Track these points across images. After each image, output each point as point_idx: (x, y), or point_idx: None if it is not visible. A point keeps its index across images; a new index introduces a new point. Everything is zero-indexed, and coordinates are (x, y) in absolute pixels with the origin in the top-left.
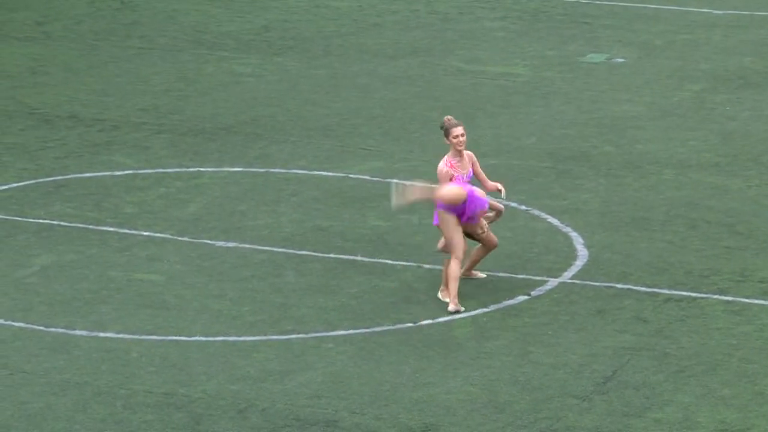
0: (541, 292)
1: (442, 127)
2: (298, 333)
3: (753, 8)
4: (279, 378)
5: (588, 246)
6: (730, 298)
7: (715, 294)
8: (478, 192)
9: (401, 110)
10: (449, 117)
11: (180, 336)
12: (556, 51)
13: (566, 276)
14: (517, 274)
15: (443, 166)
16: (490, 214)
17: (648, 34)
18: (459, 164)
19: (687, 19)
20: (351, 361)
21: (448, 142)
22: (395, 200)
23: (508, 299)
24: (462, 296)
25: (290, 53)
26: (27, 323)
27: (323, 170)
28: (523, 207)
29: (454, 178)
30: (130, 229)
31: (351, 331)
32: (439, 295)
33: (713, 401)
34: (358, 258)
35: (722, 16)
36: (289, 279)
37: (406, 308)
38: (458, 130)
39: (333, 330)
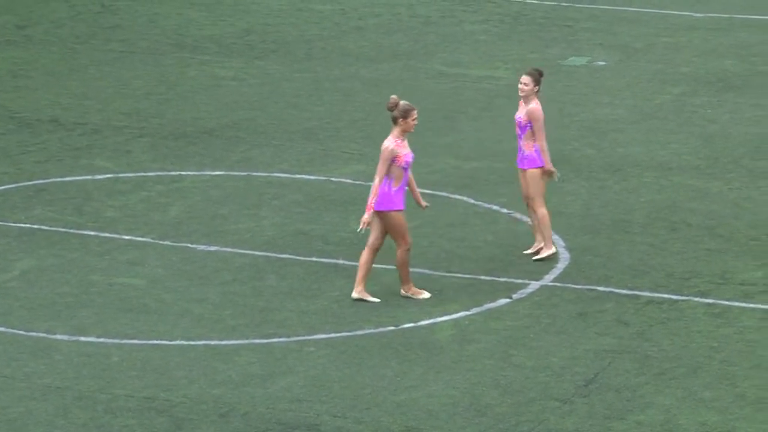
0: (523, 295)
1: (394, 108)
2: (280, 337)
3: (733, 11)
4: (260, 382)
5: (569, 249)
6: (710, 301)
7: (696, 296)
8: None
9: (383, 114)
10: (397, 97)
11: (161, 340)
12: (537, 54)
13: (547, 279)
14: (498, 277)
15: (391, 144)
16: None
17: (629, 37)
18: (403, 144)
19: (667, 22)
20: (332, 364)
21: (400, 123)
22: None
23: (490, 302)
24: (444, 299)
25: (272, 57)
26: (7, 327)
27: (305, 174)
28: (505, 210)
29: (401, 157)
30: (111, 233)
31: (332, 335)
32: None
33: (694, 403)
34: (340, 261)
35: (702, 19)
36: (270, 283)
37: (387, 312)
38: (416, 113)
39: (314, 333)
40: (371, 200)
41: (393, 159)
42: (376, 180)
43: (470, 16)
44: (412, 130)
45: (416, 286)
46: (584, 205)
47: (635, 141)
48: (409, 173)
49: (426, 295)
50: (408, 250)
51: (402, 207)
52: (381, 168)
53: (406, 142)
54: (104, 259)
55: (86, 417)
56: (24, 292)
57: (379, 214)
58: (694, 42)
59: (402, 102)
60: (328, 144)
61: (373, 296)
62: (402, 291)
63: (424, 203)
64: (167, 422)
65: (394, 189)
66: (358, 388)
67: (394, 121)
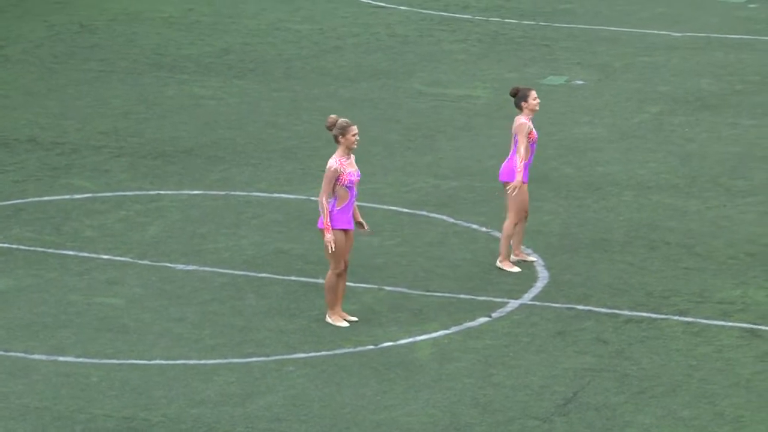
0: (502, 314)
1: (333, 127)
2: (259, 356)
3: (710, 31)
4: (240, 401)
5: (548, 267)
6: (689, 319)
7: (675, 315)
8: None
9: (362, 133)
10: (336, 116)
11: (140, 360)
12: (516, 73)
13: (527, 297)
14: (478, 295)
15: (334, 163)
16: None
17: (607, 57)
18: (348, 162)
19: (646, 41)
20: (312, 384)
21: (341, 141)
22: None
23: (469, 321)
24: (423, 318)
25: (251, 76)
26: None
27: (284, 193)
28: (484, 229)
29: (344, 176)
30: (89, 253)
31: (312, 354)
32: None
33: (673, 422)
34: (319, 280)
35: (680, 38)
36: (249, 302)
37: (367, 330)
38: (356, 129)
39: (294, 353)
40: (326, 221)
41: (336, 178)
42: (323, 199)
43: (449, 35)
44: (355, 146)
45: (395, 305)
46: (563, 224)
47: (614, 160)
48: (356, 191)
49: (344, 324)
50: (339, 274)
51: (342, 227)
52: (325, 186)
53: (351, 160)
54: (83, 278)
55: None
56: (2, 312)
57: (320, 231)
58: (673, 61)
59: (340, 120)
60: (307, 163)
61: (350, 315)
62: (326, 317)
63: (366, 226)
64: None
65: (337, 209)
66: (337, 407)
67: (335, 139)
